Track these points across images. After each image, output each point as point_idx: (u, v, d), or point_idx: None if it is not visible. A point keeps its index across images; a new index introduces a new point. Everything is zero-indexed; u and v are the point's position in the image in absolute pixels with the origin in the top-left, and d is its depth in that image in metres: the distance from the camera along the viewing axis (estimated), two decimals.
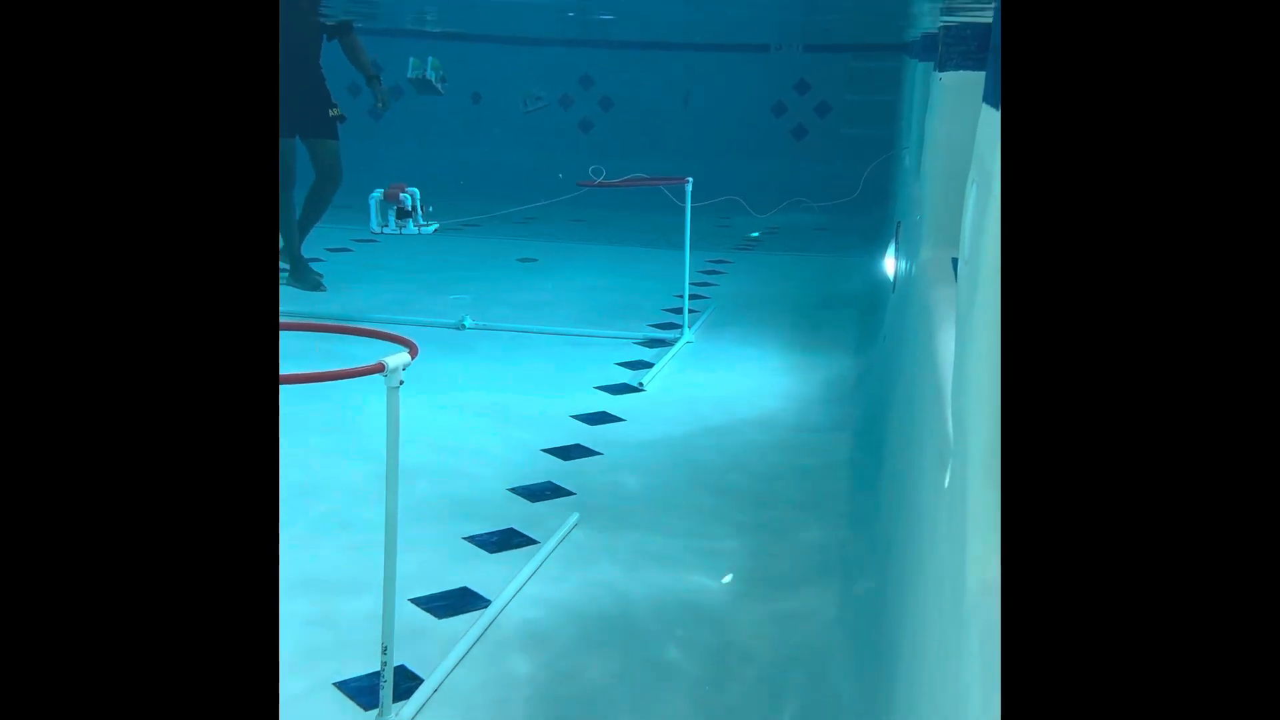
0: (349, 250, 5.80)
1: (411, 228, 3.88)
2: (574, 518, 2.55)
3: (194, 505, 0.72)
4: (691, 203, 4.09)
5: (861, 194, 6.87)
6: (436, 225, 3.94)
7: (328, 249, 5.75)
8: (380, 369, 1.60)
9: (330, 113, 4.76)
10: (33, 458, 0.69)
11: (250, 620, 0.74)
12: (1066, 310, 0.67)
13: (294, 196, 4.79)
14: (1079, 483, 0.66)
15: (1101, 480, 0.66)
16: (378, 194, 3.88)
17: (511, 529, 2.51)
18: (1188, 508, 0.63)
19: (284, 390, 3.48)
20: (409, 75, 5.49)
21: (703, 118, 8.04)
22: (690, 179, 4.11)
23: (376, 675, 1.76)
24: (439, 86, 5.46)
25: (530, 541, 2.44)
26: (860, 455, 3.02)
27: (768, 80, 8.08)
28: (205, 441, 0.73)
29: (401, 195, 3.84)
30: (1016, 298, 0.69)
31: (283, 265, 4.86)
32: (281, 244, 4.85)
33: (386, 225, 3.87)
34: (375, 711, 1.70)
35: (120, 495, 0.71)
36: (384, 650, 1.66)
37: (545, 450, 3.03)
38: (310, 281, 4.87)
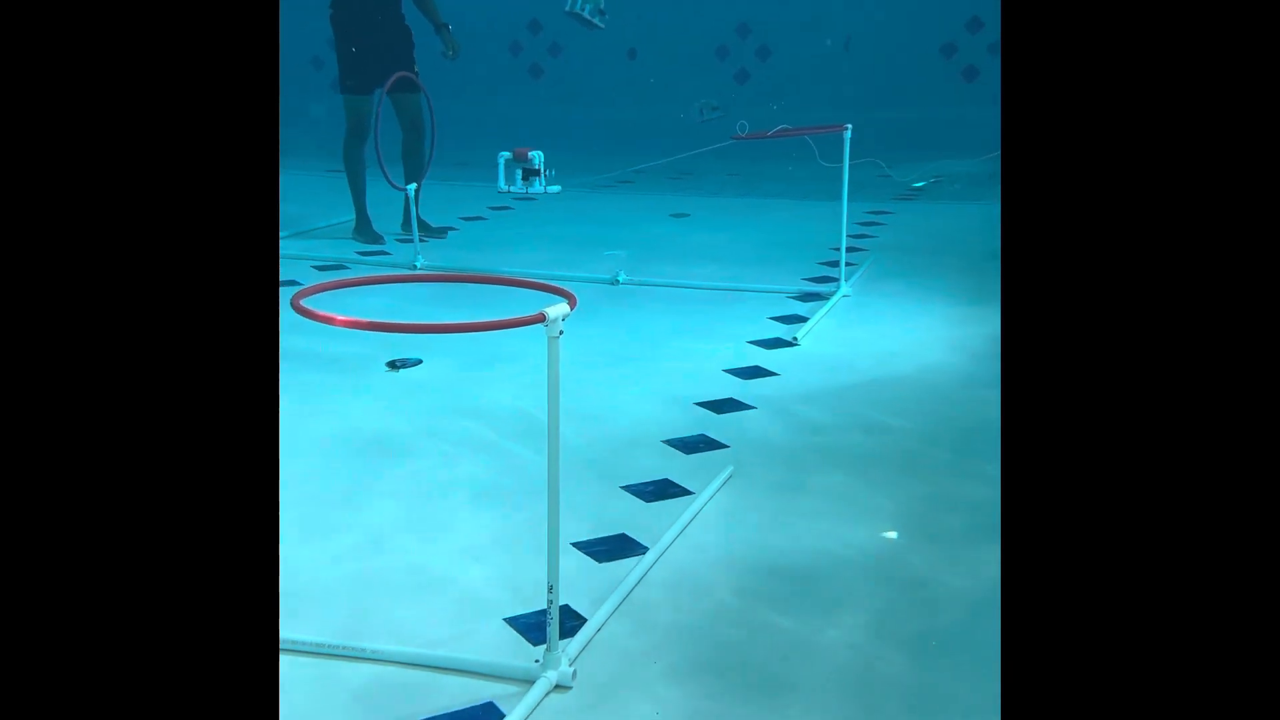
0: (509, 209, 5.97)
1: (538, 186, 4.02)
2: (729, 469, 2.57)
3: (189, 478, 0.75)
4: (845, 154, 3.97)
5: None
6: (559, 188, 4.07)
7: (490, 207, 5.94)
8: (541, 319, 1.65)
9: (414, 70, 4.87)
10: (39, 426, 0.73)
11: (249, 598, 0.76)
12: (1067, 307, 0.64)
13: (365, 152, 4.90)
14: (1079, 480, 0.63)
15: (1100, 478, 0.62)
16: (506, 155, 4.03)
17: (667, 479, 2.55)
18: (1189, 505, 0.59)
19: (445, 340, 3.66)
20: (565, 9, 5.54)
21: (865, 63, 7.75)
22: (849, 126, 3.99)
23: (543, 613, 1.84)
24: (596, 20, 5.46)
25: (685, 492, 2.48)
26: None
27: (936, 19, 7.69)
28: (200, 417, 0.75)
29: (530, 155, 3.99)
30: (1017, 297, 0.66)
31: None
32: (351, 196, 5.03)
33: (514, 185, 4.02)
34: (543, 646, 1.78)
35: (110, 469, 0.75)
36: (550, 589, 1.74)
37: (698, 404, 3.05)
38: (369, 235, 5.04)
